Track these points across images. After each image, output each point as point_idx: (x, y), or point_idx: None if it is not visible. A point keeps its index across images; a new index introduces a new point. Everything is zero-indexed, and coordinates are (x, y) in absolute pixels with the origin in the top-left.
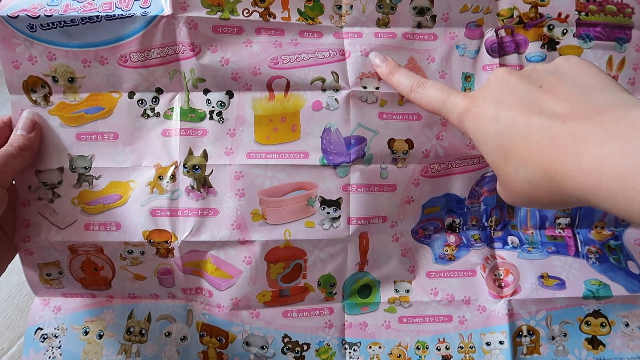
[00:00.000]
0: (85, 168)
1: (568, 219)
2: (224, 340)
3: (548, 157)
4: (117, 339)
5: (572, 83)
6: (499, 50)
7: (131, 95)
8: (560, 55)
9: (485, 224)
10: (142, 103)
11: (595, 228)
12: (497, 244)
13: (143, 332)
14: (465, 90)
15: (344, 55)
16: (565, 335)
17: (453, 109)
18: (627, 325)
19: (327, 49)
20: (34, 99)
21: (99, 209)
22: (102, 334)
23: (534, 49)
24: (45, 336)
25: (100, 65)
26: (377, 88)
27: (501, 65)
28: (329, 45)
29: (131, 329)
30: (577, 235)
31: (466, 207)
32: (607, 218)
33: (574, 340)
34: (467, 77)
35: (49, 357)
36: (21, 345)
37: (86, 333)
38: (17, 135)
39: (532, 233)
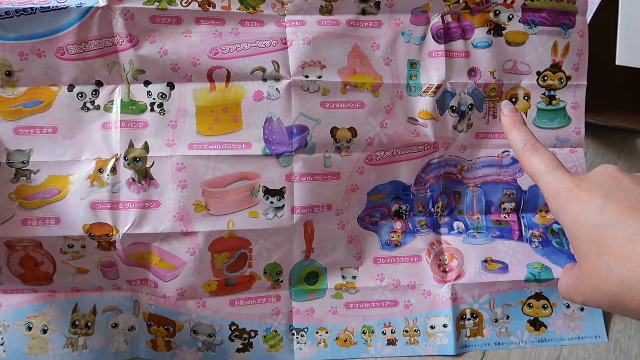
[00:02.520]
0: (23, 162)
1: (513, 203)
2: (172, 330)
3: None
4: (62, 332)
5: None
6: (444, 36)
7: (70, 88)
8: (506, 41)
9: (432, 209)
10: (81, 96)
11: (540, 212)
12: (443, 229)
13: (89, 324)
14: (410, 78)
15: (286, 44)
16: (508, 317)
17: (554, 182)
18: (568, 306)
19: (268, 38)
20: None
21: (38, 204)
22: (46, 328)
23: (480, 34)
24: None
25: (37, 58)
26: (319, 77)
27: (447, 51)
28: (271, 34)
29: (76, 322)
30: (521, 220)
31: (412, 194)
32: None
33: (516, 322)
34: (413, 64)
35: None
36: None
37: (29, 328)
38: None
39: (477, 218)
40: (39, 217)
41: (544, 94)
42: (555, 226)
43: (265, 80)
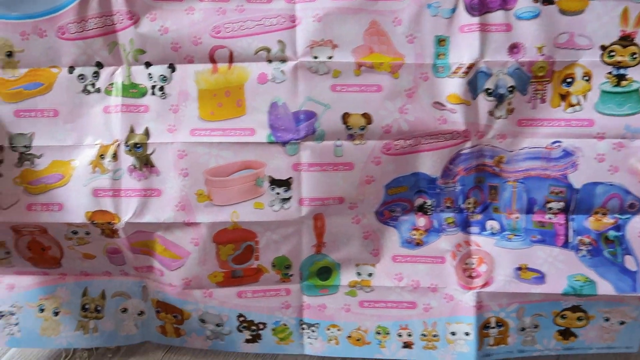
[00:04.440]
0: (25, 147)
1: (561, 203)
2: (180, 317)
3: None
4: (73, 315)
5: None
6: (480, 6)
7: (71, 70)
8: (559, 10)
9: (462, 206)
10: (82, 78)
11: (595, 215)
12: (474, 229)
13: (99, 308)
14: (437, 56)
15: (294, 22)
16: (536, 327)
17: None
18: (607, 320)
19: (275, 15)
20: None
21: (41, 189)
22: (57, 311)
23: (525, 3)
24: (2, 314)
25: (38, 37)
26: (330, 57)
27: (482, 24)
28: (279, 10)
29: (86, 306)
30: (570, 223)
31: (439, 188)
32: (611, 204)
33: (544, 332)
34: (441, 41)
35: (7, 334)
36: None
37: (42, 310)
38: None
39: (516, 218)
40: (42, 202)
41: (610, 73)
42: (611, 233)
43: (270, 61)
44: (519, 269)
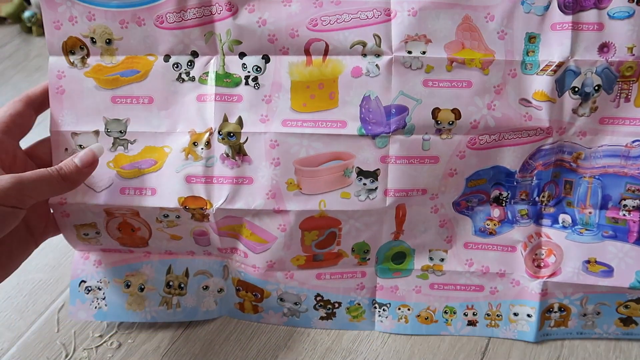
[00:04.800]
0: (120, 132)
1: (637, 201)
2: (260, 296)
3: None
4: (157, 292)
5: None
6: (574, 5)
7: (167, 58)
8: None
9: (536, 198)
10: (177, 67)
11: None
12: (546, 221)
13: (182, 285)
14: (527, 54)
15: (390, 16)
16: (598, 313)
17: None
18: None
19: (371, 9)
20: (71, 60)
21: (135, 174)
22: (143, 287)
23: (619, 2)
24: (90, 288)
25: (137, 26)
26: (424, 53)
27: (574, 23)
28: (374, 4)
29: (170, 283)
30: None
31: (516, 181)
32: None
33: (606, 318)
34: (532, 38)
35: (95, 307)
36: (21, 345)
37: (128, 286)
38: (71, 163)
39: (589, 213)
40: (135, 187)
41: None
42: None
43: (365, 55)
44: (588, 262)
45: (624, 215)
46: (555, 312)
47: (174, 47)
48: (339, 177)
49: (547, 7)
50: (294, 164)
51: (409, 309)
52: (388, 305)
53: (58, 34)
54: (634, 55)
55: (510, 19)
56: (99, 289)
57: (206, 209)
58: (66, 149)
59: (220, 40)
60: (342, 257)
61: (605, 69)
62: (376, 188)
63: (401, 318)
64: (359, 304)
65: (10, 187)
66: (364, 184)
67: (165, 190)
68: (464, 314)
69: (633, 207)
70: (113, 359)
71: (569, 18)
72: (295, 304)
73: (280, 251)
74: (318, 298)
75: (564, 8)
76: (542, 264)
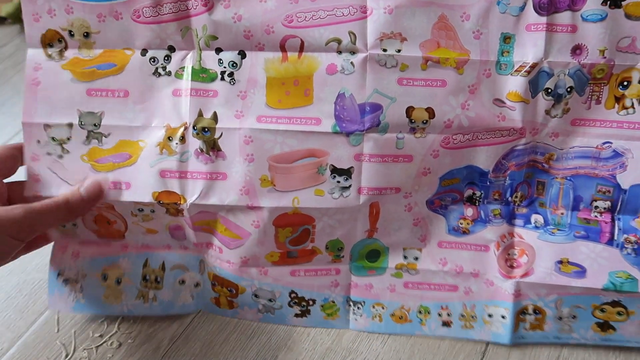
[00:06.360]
0: (94, 125)
1: (608, 202)
2: (235, 291)
3: None
4: (134, 285)
5: None
6: (548, 6)
7: (144, 52)
8: (625, 14)
9: (509, 199)
10: (154, 61)
11: None
12: (518, 221)
13: (158, 279)
14: (502, 54)
15: (365, 13)
16: (574, 317)
17: None
18: None
19: (347, 6)
20: (49, 53)
21: (109, 167)
22: (120, 280)
23: (592, 5)
24: (67, 281)
25: (114, 20)
26: (399, 51)
27: (549, 24)
28: (350, 1)
29: (147, 277)
30: (616, 222)
31: (489, 181)
32: None
33: (582, 323)
34: (507, 38)
35: (73, 299)
36: (21, 345)
37: (105, 279)
38: (78, 195)
39: (561, 213)
40: (110, 180)
41: None
42: None
43: (340, 52)
44: (560, 262)
45: (595, 216)
46: (530, 314)
47: (151, 41)
48: (312, 175)
49: (522, 8)
50: (268, 160)
51: (383, 308)
52: (362, 303)
53: (37, 27)
54: (605, 58)
55: (486, 19)
56: (77, 282)
57: (180, 204)
58: (38, 141)
59: (197, 35)
60: (316, 254)
61: (578, 70)
62: (350, 186)
63: (375, 316)
64: (334, 302)
65: (23, 219)
66: (338, 182)
67: (139, 184)
68: (439, 314)
69: (604, 208)
70: (113, 359)
71: (544, 19)
72: (270, 300)
73: (254, 247)
74: (292, 295)
75: (539, 9)
76: (514, 264)
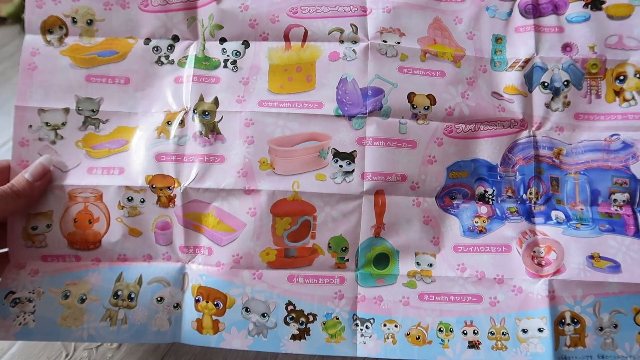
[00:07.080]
0: (92, 111)
1: (626, 194)
2: (222, 305)
3: None
4: (101, 303)
5: None
6: (533, 11)
7: (147, 41)
8: (607, 15)
9: (524, 196)
10: (157, 50)
11: None
12: (539, 219)
13: (132, 295)
14: (495, 52)
15: (365, 12)
16: (615, 326)
17: None
18: None
19: (348, 4)
20: (48, 39)
21: (104, 153)
22: (84, 297)
23: (575, 9)
24: (17, 300)
25: (121, 9)
26: (398, 42)
27: (536, 26)
28: (351, 0)
29: (119, 293)
30: (638, 214)
31: (499, 175)
32: None
33: (625, 333)
34: (498, 39)
35: (19, 324)
36: (21, 345)
37: (66, 297)
38: (22, 179)
39: (581, 209)
40: (104, 166)
41: None
42: None
43: (342, 42)
44: (592, 257)
45: (616, 210)
46: (569, 324)
47: (156, 30)
48: (314, 158)
49: (509, 13)
50: (268, 143)
51: (396, 326)
52: (372, 321)
53: (39, 12)
54: (596, 53)
55: (477, 22)
56: (30, 301)
57: (174, 188)
58: (30, 126)
59: (203, 25)
60: (318, 254)
61: (571, 65)
62: (353, 170)
63: (388, 337)
64: (337, 318)
65: None
66: (340, 166)
67: (133, 168)
68: (463, 332)
69: (623, 201)
70: (113, 359)
71: (531, 22)
72: (263, 315)
73: (248, 241)
74: (290, 307)
75: (524, 13)
76: (543, 262)
